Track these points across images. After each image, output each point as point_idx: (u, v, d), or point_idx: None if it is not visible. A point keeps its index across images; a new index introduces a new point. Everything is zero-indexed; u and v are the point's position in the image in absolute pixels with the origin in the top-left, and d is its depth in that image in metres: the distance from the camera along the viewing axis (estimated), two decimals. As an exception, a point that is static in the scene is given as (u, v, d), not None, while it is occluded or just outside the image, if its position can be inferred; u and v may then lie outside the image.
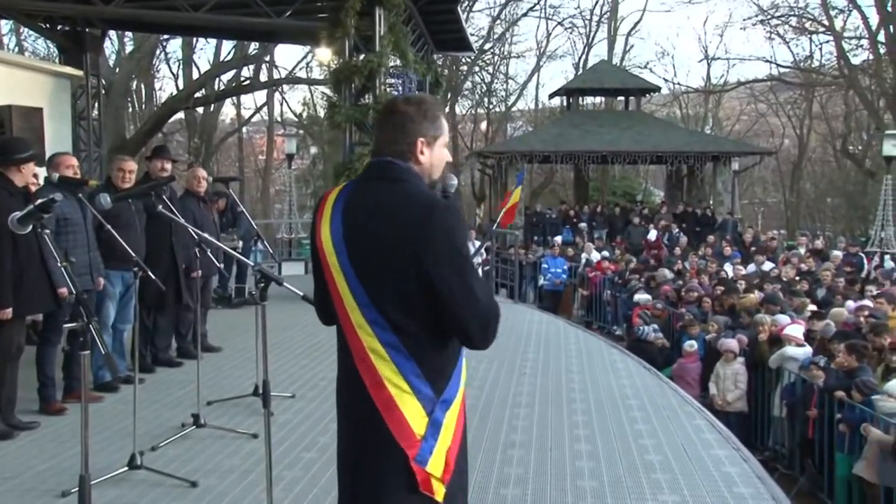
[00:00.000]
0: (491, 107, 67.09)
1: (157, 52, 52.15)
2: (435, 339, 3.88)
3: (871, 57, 51.72)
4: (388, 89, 19.12)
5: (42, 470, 8.45)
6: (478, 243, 27.23)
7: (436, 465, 3.91)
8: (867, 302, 17.99)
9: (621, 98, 49.98)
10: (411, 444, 3.88)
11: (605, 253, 32.48)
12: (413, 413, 3.87)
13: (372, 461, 3.96)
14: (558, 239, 35.20)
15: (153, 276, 8.90)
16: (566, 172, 59.77)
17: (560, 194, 61.12)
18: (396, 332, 3.85)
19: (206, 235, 9.07)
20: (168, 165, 12.48)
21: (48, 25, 24.16)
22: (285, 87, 63.02)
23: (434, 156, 4.12)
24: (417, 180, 3.99)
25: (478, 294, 3.80)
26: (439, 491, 3.93)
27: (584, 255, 31.91)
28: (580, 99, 49.95)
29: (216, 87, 49.66)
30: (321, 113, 51.91)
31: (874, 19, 50.45)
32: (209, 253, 10.73)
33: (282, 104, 78.80)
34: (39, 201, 5.41)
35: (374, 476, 3.95)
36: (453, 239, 3.78)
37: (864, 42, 52.24)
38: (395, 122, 4.07)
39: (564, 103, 51.74)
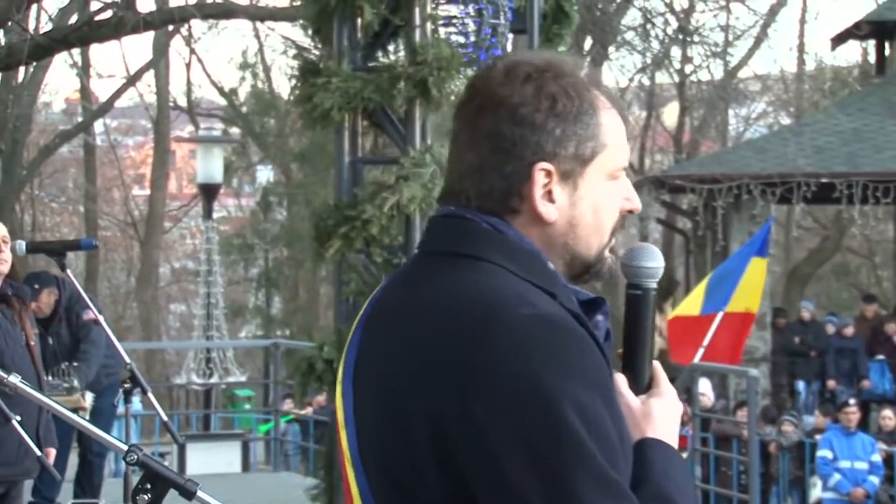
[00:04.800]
0: (689, 68, 35.28)
1: None
2: None
3: None
4: (443, 32, 9.94)
5: None
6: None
7: None
8: None
9: None
10: None
11: None
12: None
13: None
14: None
15: None
16: (878, 224, 30.19)
17: (863, 282, 39.58)
18: None
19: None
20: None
21: None
22: (199, 26, 33.34)
23: (584, 203, 2.16)
24: (512, 262, 2.11)
25: None
26: None
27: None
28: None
29: (33, 28, 23.29)
30: (283, 91, 37.18)
31: None
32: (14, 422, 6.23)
33: (188, 67, 38.28)
34: None
35: None
36: (547, 401, 1.94)
37: None
38: (482, 125, 2.14)
39: (870, 55, 30.83)
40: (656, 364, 2.29)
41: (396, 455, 2.07)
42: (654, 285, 2.27)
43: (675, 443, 2.20)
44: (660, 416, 2.20)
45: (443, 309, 2.06)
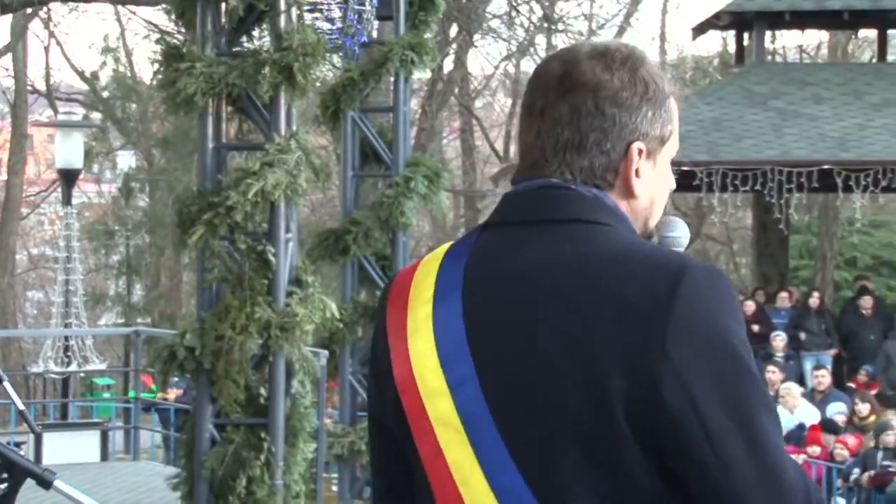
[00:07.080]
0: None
1: None
2: None
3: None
4: (308, 18, 9.88)
5: None
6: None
7: None
8: None
9: (867, 32, 28.07)
10: None
11: (841, 407, 17.45)
12: None
13: None
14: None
15: None
16: (737, 212, 28.06)
17: (722, 268, 38.88)
18: None
19: None
20: None
21: None
22: (59, 9, 33.73)
23: (660, 180, 2.34)
24: (623, 226, 2.23)
25: (780, 463, 2.06)
26: None
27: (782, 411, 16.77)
28: (769, 35, 27.71)
29: None
30: (145, 75, 37.85)
31: None
32: None
33: (47, 51, 38.62)
34: None
35: None
36: (729, 344, 2.09)
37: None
38: (580, 105, 2.23)
39: (729, 45, 32.15)
40: None
41: (573, 423, 2.12)
42: (684, 249, 2.54)
43: None
44: None
45: (614, 260, 2.16)
